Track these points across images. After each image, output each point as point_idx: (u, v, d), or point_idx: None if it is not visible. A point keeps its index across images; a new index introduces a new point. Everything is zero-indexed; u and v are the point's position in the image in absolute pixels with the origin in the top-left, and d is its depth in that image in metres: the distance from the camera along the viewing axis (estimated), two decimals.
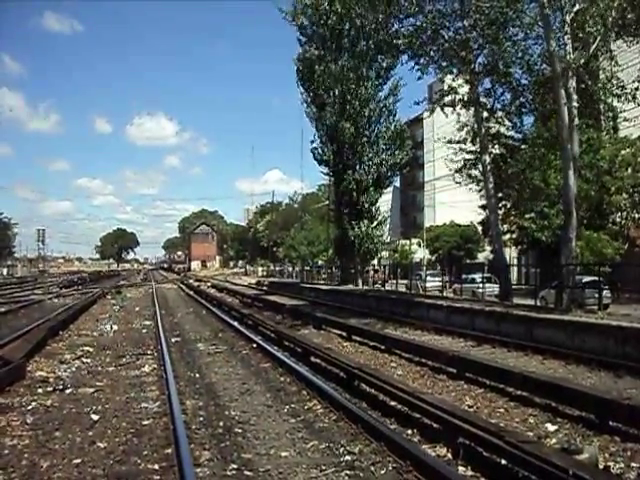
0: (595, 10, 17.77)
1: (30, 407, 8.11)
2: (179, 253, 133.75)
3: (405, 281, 37.18)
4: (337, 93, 34.35)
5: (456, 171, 26.22)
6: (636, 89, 19.17)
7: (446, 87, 23.71)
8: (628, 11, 18.13)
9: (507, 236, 35.86)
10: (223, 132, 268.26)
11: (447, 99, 23.61)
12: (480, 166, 23.94)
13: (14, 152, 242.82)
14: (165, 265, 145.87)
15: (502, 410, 7.96)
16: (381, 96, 35.57)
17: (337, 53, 34.30)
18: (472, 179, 26.20)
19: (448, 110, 24.20)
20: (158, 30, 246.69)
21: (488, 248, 40.84)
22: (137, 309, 25.63)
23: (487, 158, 22.93)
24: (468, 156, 25.30)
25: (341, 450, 6.15)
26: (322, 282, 46.11)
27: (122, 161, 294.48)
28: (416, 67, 22.24)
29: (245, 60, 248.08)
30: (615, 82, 19.88)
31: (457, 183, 27.55)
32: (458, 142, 25.04)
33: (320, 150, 36.77)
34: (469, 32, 21.33)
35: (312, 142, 37.17)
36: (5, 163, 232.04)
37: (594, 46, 18.51)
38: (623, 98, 19.77)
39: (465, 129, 24.71)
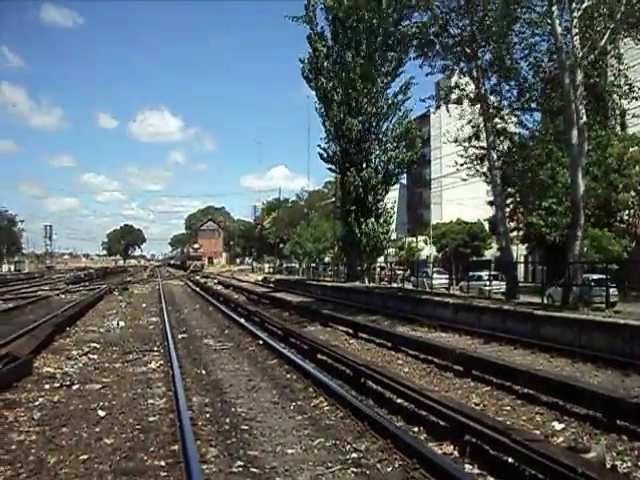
0: (604, 7, 17.67)
1: (37, 403, 8.14)
2: (195, 246, 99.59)
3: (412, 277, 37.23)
4: (345, 89, 34.18)
5: (462, 164, 26.02)
6: None
7: (453, 83, 23.60)
8: (637, 8, 17.97)
9: (514, 233, 35.73)
10: (228, 128, 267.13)
11: (453, 96, 23.50)
12: (487, 162, 23.83)
13: (17, 147, 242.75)
14: (174, 262, 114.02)
15: (509, 408, 7.94)
16: (389, 93, 35.45)
17: (346, 49, 34.02)
18: (478, 172, 26.06)
19: (455, 107, 24.06)
20: (162, 25, 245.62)
21: (495, 245, 40.66)
22: (144, 305, 25.69)
23: (494, 155, 22.82)
24: (476, 151, 25.12)
25: (347, 447, 6.14)
26: (328, 279, 46.08)
27: (127, 157, 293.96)
28: (424, 63, 22.28)
29: (251, 57, 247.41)
30: (623, 80, 19.76)
31: (463, 180, 27.44)
32: (467, 139, 24.82)
33: (327, 147, 36.67)
34: (476, 28, 21.21)
35: (319, 146, 36.90)
36: (8, 159, 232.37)
37: (602, 42, 18.38)
38: (631, 97, 19.66)
39: (472, 125, 24.53)
